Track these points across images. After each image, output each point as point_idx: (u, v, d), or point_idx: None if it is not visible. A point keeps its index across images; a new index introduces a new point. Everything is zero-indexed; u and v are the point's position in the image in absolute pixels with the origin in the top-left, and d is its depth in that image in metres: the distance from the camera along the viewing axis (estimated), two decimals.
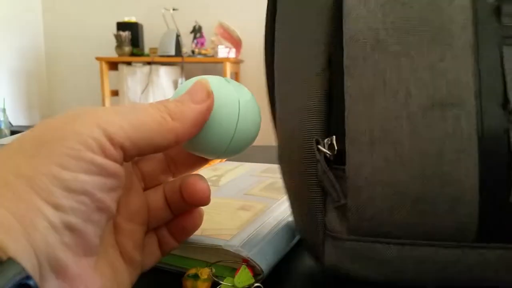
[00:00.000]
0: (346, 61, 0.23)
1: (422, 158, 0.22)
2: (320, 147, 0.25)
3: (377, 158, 0.22)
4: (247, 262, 0.27)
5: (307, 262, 0.32)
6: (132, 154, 0.19)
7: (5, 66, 2.99)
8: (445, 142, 0.21)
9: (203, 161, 0.27)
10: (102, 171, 0.17)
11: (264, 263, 0.27)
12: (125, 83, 2.76)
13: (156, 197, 0.24)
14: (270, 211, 0.35)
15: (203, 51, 2.81)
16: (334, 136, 0.24)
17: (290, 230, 0.33)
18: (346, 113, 0.23)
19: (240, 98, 0.23)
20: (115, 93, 2.88)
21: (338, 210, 0.25)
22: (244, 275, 0.26)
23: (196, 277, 0.26)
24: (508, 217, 0.22)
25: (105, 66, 2.80)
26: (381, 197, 0.23)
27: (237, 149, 0.24)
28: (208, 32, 2.86)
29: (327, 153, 0.24)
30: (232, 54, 2.76)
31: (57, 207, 0.16)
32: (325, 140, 0.25)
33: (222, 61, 2.69)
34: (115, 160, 0.18)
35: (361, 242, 0.24)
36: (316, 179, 0.25)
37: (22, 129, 1.51)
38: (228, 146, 0.23)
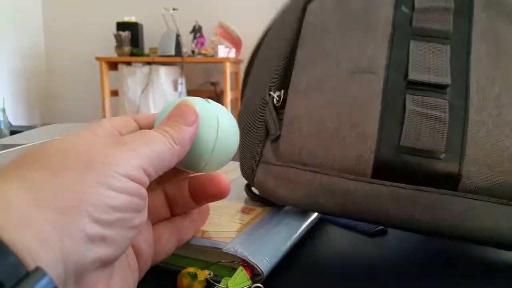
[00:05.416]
0: (300, 41, 0.34)
1: (340, 104, 0.31)
2: (271, 92, 0.34)
3: (308, 101, 0.32)
4: (246, 263, 0.27)
5: (307, 262, 0.32)
6: (152, 178, 0.21)
7: (5, 66, 2.99)
8: (358, 95, 0.31)
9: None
10: (137, 194, 0.20)
11: (263, 264, 0.27)
12: (125, 83, 2.76)
13: (154, 199, 0.27)
14: (270, 214, 0.35)
15: (203, 51, 2.81)
16: (282, 90, 0.34)
17: (290, 231, 0.33)
18: (293, 72, 0.34)
19: (218, 114, 0.25)
20: (115, 93, 2.89)
21: (273, 144, 0.34)
22: (240, 277, 0.26)
23: (194, 276, 0.27)
24: (398, 158, 0.29)
25: (105, 66, 2.80)
26: (306, 127, 0.32)
27: (218, 162, 0.26)
28: (208, 32, 2.86)
29: (275, 97, 0.34)
30: (232, 54, 2.76)
31: (98, 220, 0.18)
32: (276, 92, 0.34)
33: (222, 61, 2.69)
34: (143, 185, 0.21)
35: (284, 167, 0.33)
36: (263, 120, 0.35)
37: (22, 129, 1.51)
38: (209, 159, 0.25)
